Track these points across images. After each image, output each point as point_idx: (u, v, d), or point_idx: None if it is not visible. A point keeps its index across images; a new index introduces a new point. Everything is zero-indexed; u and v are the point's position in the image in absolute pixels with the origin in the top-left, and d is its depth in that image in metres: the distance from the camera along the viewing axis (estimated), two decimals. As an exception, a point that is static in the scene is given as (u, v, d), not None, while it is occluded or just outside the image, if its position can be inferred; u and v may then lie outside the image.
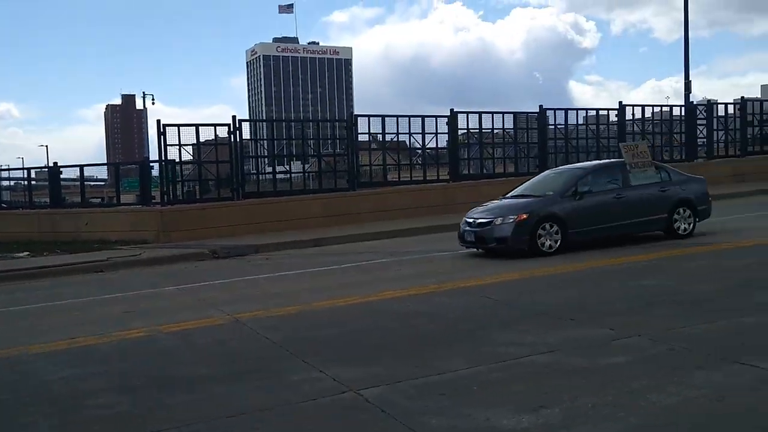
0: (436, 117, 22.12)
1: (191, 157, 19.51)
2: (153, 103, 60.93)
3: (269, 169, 21.48)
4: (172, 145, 18.64)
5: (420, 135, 21.66)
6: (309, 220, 19.40)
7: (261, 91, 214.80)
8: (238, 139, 19.63)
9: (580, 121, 24.45)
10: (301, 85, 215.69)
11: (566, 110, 24.00)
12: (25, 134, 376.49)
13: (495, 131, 23.69)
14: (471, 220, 12.92)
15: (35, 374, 6.62)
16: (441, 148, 22.45)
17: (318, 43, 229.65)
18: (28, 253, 17.21)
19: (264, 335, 7.57)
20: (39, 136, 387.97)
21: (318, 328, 7.84)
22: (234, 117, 19.59)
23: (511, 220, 12.23)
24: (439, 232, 16.91)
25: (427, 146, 22.08)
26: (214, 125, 19.59)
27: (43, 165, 33.20)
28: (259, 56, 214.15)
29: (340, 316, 8.42)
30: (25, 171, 24.99)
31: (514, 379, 5.47)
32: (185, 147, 19.01)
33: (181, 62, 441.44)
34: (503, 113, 23.52)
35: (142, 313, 9.49)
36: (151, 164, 20.98)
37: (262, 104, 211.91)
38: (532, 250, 12.07)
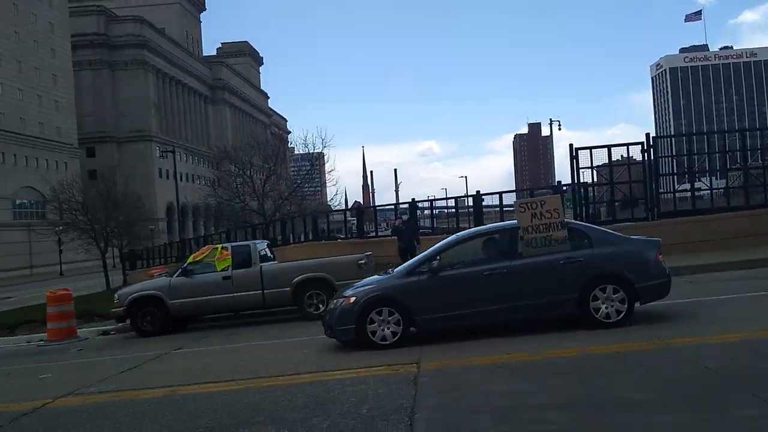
0: None
1: (602, 179, 19.43)
2: (560, 129, 62.45)
3: (685, 187, 20.10)
4: (584, 167, 18.83)
5: None
6: (734, 240, 17.50)
7: (668, 105, 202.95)
8: (651, 158, 18.85)
9: None
10: (714, 94, 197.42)
11: None
12: (444, 167, 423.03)
13: None
14: None
15: (477, 386, 7.24)
16: None
17: (732, 47, 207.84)
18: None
19: (704, 364, 7.03)
20: (456, 168, 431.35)
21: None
22: (647, 135, 18.97)
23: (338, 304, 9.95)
24: None
25: None
26: (627, 145, 19.19)
27: (462, 194, 36.73)
28: (665, 69, 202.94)
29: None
30: (452, 200, 28.05)
31: None
32: (596, 169, 19.03)
33: (580, 86, 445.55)
34: None
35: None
36: (564, 188, 21.43)
37: (669, 119, 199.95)
38: (360, 340, 9.64)
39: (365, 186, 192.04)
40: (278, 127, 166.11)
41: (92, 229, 42.54)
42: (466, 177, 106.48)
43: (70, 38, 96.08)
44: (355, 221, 36.44)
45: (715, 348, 7.82)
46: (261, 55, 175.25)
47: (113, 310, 15.28)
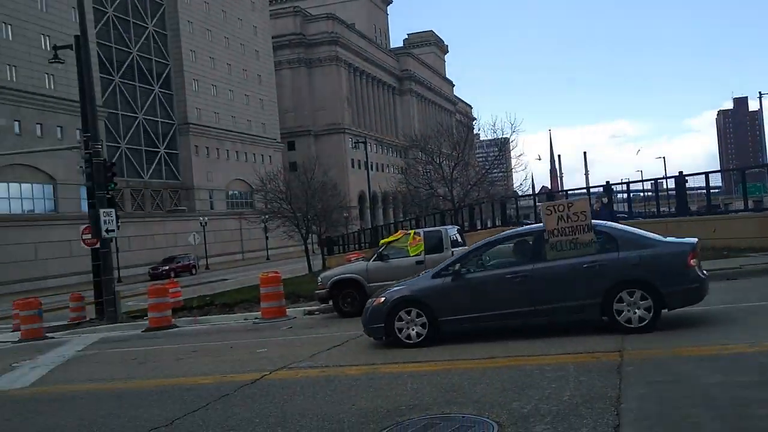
0: None
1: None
2: (774, 101, 55.99)
3: None
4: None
5: None
6: None
7: None
8: None
9: None
10: None
11: None
12: (638, 148, 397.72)
13: None
14: None
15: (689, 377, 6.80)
16: None
17: None
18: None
19: None
20: (651, 149, 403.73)
21: None
22: None
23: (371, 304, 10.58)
24: None
25: None
26: None
27: (659, 176, 34.38)
28: None
29: None
30: (649, 183, 26.36)
31: None
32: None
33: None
34: None
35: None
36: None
37: None
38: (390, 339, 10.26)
39: (552, 170, 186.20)
40: (463, 114, 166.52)
41: (294, 216, 45.67)
42: (663, 158, 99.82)
43: (271, 39, 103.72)
44: (543, 206, 35.62)
45: None
46: (446, 43, 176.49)
47: (317, 291, 16.35)
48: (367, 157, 66.56)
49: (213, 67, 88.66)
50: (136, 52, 77.53)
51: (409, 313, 10.04)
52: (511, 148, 49.41)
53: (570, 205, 9.94)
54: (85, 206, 27.56)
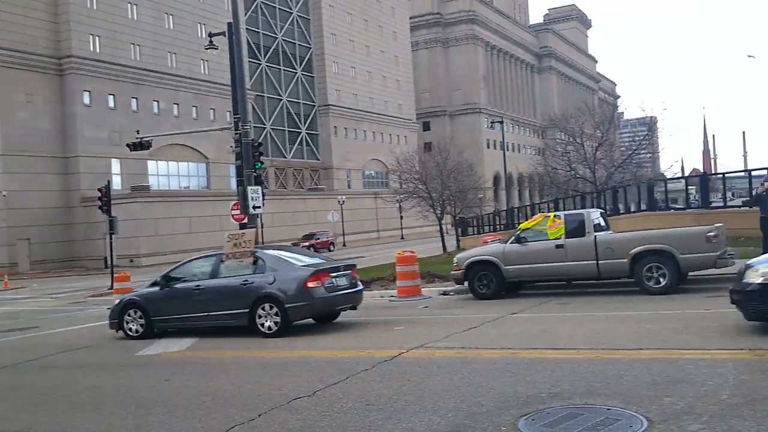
0: None
1: None
2: None
3: None
4: None
5: None
6: None
7: None
8: None
9: None
10: None
11: None
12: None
13: None
14: None
15: None
16: None
17: None
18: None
19: None
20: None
21: None
22: None
23: None
24: None
25: None
26: None
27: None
28: None
29: None
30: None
31: None
32: None
33: None
34: None
35: None
36: None
37: None
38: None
39: (705, 152, 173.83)
40: (607, 92, 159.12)
41: (429, 197, 45.80)
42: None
43: (409, 20, 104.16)
44: (693, 190, 33.30)
45: None
46: (589, 17, 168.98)
47: (452, 272, 16.29)
48: (503, 137, 65.21)
49: (352, 49, 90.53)
50: (282, 37, 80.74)
51: (129, 314, 13.23)
52: (659, 128, 46.66)
53: (243, 234, 12.83)
54: (234, 184, 29.13)
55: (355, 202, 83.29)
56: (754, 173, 26.50)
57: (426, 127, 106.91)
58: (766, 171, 22.44)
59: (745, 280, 8.49)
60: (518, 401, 6.40)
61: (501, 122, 65.81)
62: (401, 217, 74.19)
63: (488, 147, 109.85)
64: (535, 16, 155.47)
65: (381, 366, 8.54)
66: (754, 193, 17.45)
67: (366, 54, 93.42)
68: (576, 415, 5.80)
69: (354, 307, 12.90)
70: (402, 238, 78.08)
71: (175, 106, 64.01)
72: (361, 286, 13.34)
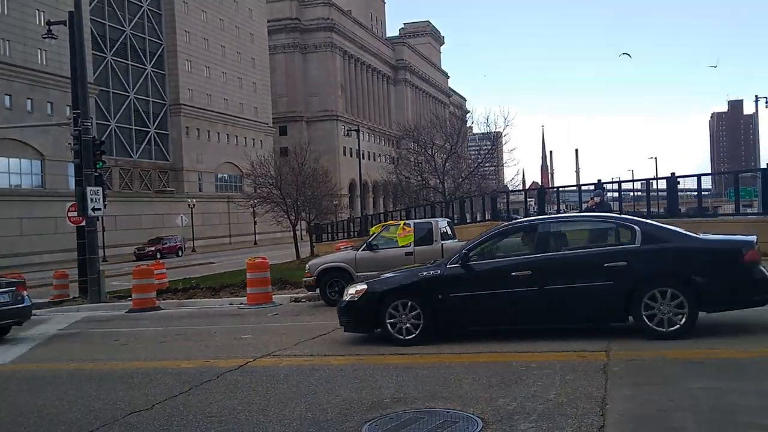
0: None
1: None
2: (767, 106, 56.28)
3: None
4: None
5: None
6: None
7: None
8: None
9: None
10: None
11: None
12: (630, 148, 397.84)
13: None
14: None
15: (676, 381, 6.77)
16: None
17: None
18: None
19: None
20: (644, 149, 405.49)
21: None
22: None
23: None
24: None
25: None
26: None
27: (652, 176, 34.45)
28: None
29: None
30: (639, 183, 26.43)
31: None
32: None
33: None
34: None
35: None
36: (775, 171, 19.37)
37: None
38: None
39: (544, 166, 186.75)
40: (457, 106, 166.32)
41: (284, 202, 45.43)
42: (655, 158, 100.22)
43: (267, 23, 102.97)
44: (532, 202, 35.63)
45: None
46: (442, 34, 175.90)
47: (304, 279, 16.24)
48: (359, 146, 66.29)
49: (207, 49, 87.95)
50: (130, 31, 76.70)
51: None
52: (504, 142, 49.44)
53: None
54: (72, 183, 27.22)
55: (207, 206, 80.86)
56: (584, 188, 28.79)
57: (283, 131, 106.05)
58: (594, 186, 24.41)
59: (343, 296, 10.25)
60: (363, 407, 6.48)
61: (357, 130, 66.79)
62: (255, 223, 73.00)
63: (345, 154, 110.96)
64: (392, 30, 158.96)
65: (226, 376, 8.33)
66: (584, 206, 18.97)
67: (222, 54, 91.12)
68: (418, 419, 5.98)
69: (19, 323, 13.50)
70: (255, 243, 76.82)
71: (7, 97, 58.63)
72: (29, 303, 13.66)
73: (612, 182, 31.66)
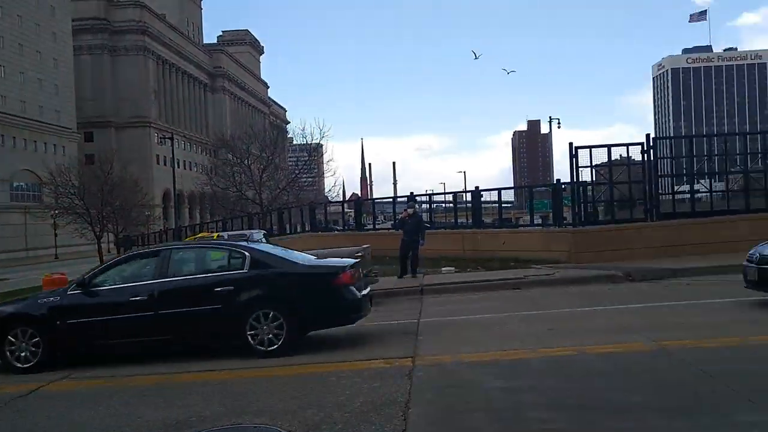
0: None
1: (601, 178, 19.41)
2: (559, 127, 62.50)
3: (685, 188, 20.12)
4: (583, 167, 18.77)
5: None
6: (736, 244, 17.44)
7: (668, 106, 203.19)
8: (651, 158, 18.82)
9: None
10: (715, 96, 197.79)
11: None
12: (442, 162, 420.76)
13: None
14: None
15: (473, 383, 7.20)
16: None
17: (736, 49, 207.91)
18: (453, 268, 19.09)
19: (698, 367, 6.99)
20: (454, 164, 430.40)
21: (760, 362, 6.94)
22: (648, 136, 18.93)
23: None
24: None
25: None
26: (627, 145, 19.14)
27: (461, 190, 36.64)
28: (667, 70, 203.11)
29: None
30: (449, 195, 28.03)
31: None
32: (595, 168, 19.01)
33: (580, 85, 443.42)
34: None
35: (564, 332, 9.62)
36: (563, 186, 21.39)
37: (669, 120, 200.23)
38: None
39: (363, 178, 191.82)
40: (277, 117, 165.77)
41: (87, 213, 42.39)
42: (464, 172, 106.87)
43: (71, 22, 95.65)
44: (352, 213, 36.35)
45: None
46: (262, 44, 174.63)
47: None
48: (173, 154, 63.59)
49: (1, 46, 79.85)
50: None
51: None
52: (323, 152, 50.02)
53: None
54: None
55: (1, 217, 73.20)
56: (398, 200, 29.90)
57: (89, 138, 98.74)
58: (407, 198, 25.48)
59: None
60: (167, 427, 6.20)
61: (171, 138, 64.03)
62: (56, 235, 67.33)
63: (159, 163, 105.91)
64: (210, 38, 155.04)
65: (16, 402, 7.61)
66: (398, 217, 19.66)
67: (19, 53, 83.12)
68: (223, 437, 5.81)
69: None
70: (56, 258, 70.69)
71: None
72: None
73: (425, 195, 33.18)
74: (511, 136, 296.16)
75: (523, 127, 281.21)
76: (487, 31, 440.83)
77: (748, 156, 20.63)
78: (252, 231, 16.86)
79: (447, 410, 6.22)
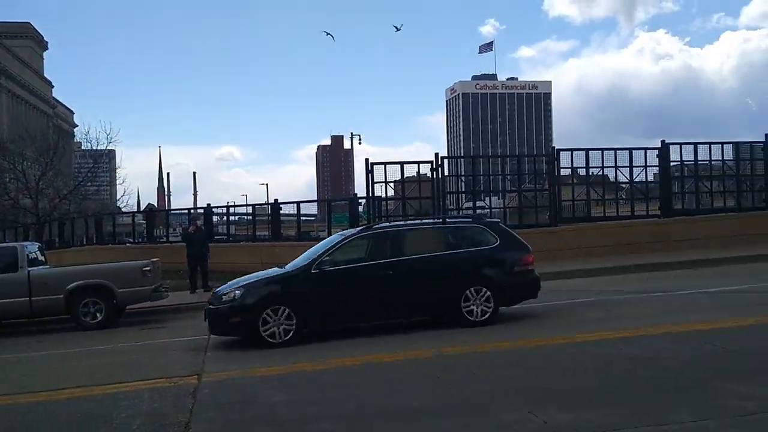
0: (645, 149, 21.21)
1: (395, 194, 20.34)
2: (360, 143, 64.33)
3: (468, 205, 21.72)
4: (378, 182, 19.54)
5: (626, 168, 20.86)
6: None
7: (459, 127, 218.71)
8: (439, 176, 20.09)
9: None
10: (499, 121, 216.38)
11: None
12: (246, 174, 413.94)
13: (713, 163, 22.00)
14: None
15: (258, 398, 7.13)
16: (650, 182, 21.64)
17: (517, 79, 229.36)
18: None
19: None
20: (258, 176, 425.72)
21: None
22: (436, 155, 20.15)
23: None
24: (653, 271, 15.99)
25: (635, 180, 21.13)
26: (418, 163, 20.27)
27: (263, 202, 36.29)
28: (459, 94, 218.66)
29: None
30: (250, 207, 27.61)
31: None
32: (390, 183, 19.88)
33: (382, 103, 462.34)
34: (722, 143, 21.92)
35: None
36: (360, 200, 22.08)
37: (460, 140, 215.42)
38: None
39: (161, 188, 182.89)
40: (63, 119, 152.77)
41: None
42: (267, 184, 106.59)
43: None
44: (145, 225, 34.51)
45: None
46: (46, 39, 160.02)
47: None
48: (-66, 157, 55.84)
49: None
50: None
51: None
52: (117, 161, 46.81)
53: None
54: None
55: None
56: (193, 211, 28.90)
57: None
58: (203, 209, 24.77)
59: None
60: None
61: (-69, 138, 56.18)
62: None
63: None
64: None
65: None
66: (191, 229, 18.98)
67: None
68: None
69: None
70: None
71: None
72: None
73: (224, 206, 32.30)
74: (315, 150, 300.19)
75: (327, 141, 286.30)
76: (292, 45, 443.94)
77: (525, 176, 22.81)
78: (24, 243, 15.27)
79: (228, 427, 6.10)
